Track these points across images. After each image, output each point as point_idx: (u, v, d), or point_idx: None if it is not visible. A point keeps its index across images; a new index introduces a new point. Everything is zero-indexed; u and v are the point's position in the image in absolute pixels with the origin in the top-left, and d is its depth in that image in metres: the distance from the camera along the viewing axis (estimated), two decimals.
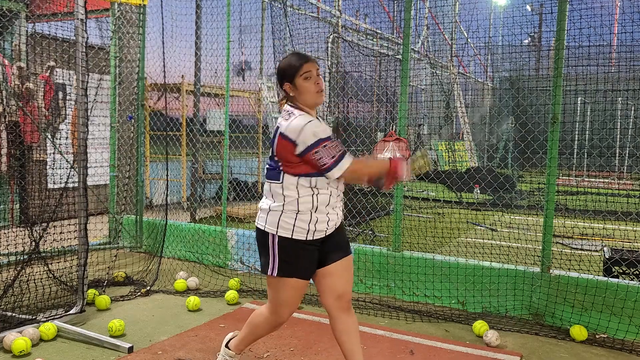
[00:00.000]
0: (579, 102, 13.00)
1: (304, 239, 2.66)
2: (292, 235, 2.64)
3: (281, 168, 2.64)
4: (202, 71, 6.99)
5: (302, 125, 2.55)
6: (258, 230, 2.76)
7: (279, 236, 2.65)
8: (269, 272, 2.71)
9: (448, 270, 4.61)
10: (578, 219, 8.82)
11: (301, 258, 2.70)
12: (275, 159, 2.66)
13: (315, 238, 2.68)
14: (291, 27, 7.51)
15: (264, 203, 2.73)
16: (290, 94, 2.70)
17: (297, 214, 2.63)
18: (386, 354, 3.63)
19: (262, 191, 2.83)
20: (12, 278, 4.12)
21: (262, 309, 2.93)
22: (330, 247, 2.77)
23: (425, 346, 3.77)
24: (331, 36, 8.03)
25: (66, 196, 4.61)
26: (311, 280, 2.85)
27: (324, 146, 2.55)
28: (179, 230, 6.13)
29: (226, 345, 3.09)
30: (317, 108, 2.80)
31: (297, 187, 2.62)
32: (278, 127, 2.66)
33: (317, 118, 2.72)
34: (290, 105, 2.72)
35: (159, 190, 8.36)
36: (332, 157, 2.56)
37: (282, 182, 2.64)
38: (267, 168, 2.74)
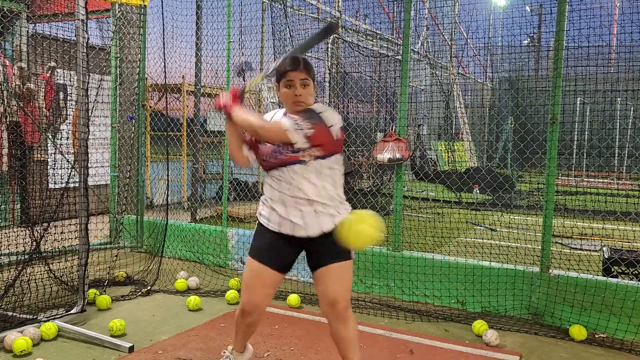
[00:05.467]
0: (578, 102, 13.02)
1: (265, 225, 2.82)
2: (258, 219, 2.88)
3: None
4: (203, 72, 7.00)
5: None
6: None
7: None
8: None
9: (447, 270, 4.63)
10: (577, 219, 8.83)
11: (257, 239, 2.83)
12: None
13: (270, 228, 2.76)
14: (291, 27, 7.53)
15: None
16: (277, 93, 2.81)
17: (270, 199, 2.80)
18: (386, 353, 3.64)
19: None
20: (13, 278, 4.13)
21: None
22: (323, 249, 2.69)
23: (425, 346, 3.78)
24: (331, 37, 8.05)
25: (67, 196, 4.63)
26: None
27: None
28: (179, 230, 6.14)
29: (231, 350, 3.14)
30: None
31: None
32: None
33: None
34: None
35: (160, 190, 8.37)
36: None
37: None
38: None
